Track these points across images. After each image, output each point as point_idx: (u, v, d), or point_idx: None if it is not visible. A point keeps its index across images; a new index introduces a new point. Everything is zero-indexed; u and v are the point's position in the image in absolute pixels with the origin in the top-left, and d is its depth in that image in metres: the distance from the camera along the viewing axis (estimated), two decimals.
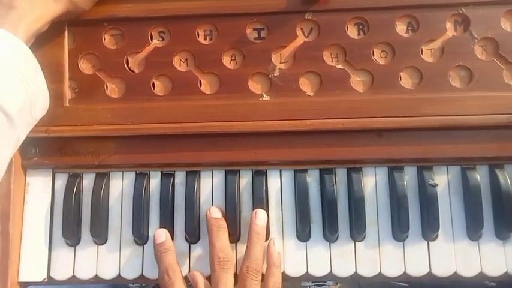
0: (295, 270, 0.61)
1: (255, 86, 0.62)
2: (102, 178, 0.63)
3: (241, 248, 0.61)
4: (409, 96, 0.60)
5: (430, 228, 0.59)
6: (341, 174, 0.62)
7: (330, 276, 0.61)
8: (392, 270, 0.60)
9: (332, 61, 0.61)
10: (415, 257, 0.60)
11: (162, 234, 0.60)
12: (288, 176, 0.63)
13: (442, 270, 0.59)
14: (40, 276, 0.62)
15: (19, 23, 0.53)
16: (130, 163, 0.63)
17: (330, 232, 0.60)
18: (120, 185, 0.64)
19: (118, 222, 0.63)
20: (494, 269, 0.59)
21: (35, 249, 0.63)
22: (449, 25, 0.61)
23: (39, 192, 0.64)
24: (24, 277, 0.62)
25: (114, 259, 0.62)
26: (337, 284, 0.70)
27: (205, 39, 0.63)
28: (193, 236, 0.62)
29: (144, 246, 0.62)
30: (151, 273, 0.62)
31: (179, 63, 0.63)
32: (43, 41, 0.60)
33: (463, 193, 0.61)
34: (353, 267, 0.60)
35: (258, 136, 0.61)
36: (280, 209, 0.62)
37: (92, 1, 0.61)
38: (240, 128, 0.60)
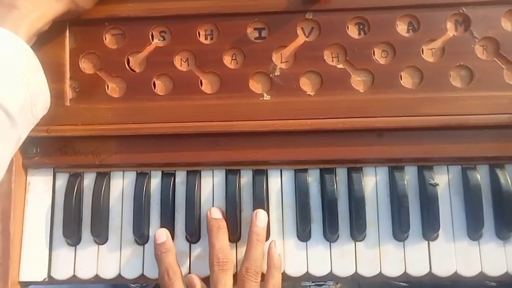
0: (295, 270, 0.61)
1: (256, 85, 0.62)
2: (102, 178, 0.63)
3: (242, 247, 0.61)
4: (409, 96, 0.60)
5: (430, 228, 0.59)
6: (341, 173, 0.62)
7: (330, 276, 0.61)
8: (393, 270, 0.60)
9: (333, 61, 0.61)
10: (415, 257, 0.60)
11: (163, 234, 0.60)
12: (288, 175, 0.63)
13: (442, 270, 0.59)
14: (41, 275, 0.62)
15: (20, 22, 0.53)
16: (131, 163, 0.63)
17: (330, 232, 0.60)
18: (121, 185, 0.64)
19: (119, 222, 0.63)
20: (495, 268, 0.59)
21: (35, 249, 0.63)
22: (449, 25, 0.61)
23: (40, 192, 0.64)
24: (24, 276, 0.62)
25: (114, 259, 0.62)
26: (337, 284, 0.70)
27: (206, 38, 0.63)
28: (193, 235, 0.62)
29: (145, 245, 0.62)
30: (152, 273, 0.61)
31: (180, 63, 0.63)
32: (44, 41, 0.60)
33: (463, 193, 0.61)
34: (353, 267, 0.60)
35: (258, 136, 0.61)
36: (280, 208, 0.62)
37: (93, 0, 0.61)
38: (241, 128, 0.60)
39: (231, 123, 0.60)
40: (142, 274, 0.62)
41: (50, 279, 0.62)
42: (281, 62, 0.62)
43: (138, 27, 0.63)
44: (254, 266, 0.57)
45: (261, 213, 0.60)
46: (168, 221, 0.62)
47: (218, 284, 0.56)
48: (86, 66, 0.63)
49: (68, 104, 0.62)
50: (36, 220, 0.63)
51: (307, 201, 0.61)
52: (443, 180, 0.61)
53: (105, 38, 0.63)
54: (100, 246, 0.63)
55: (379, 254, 0.60)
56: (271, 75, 0.61)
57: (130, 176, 0.64)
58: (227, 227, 0.60)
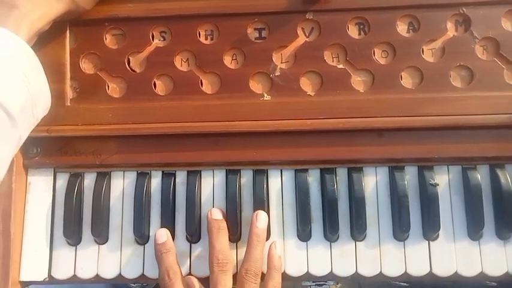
0: (295, 270, 0.61)
1: (256, 85, 0.62)
2: (103, 178, 0.63)
3: (242, 247, 0.61)
4: (409, 96, 0.60)
5: (430, 227, 0.59)
6: (342, 173, 0.62)
7: (331, 276, 0.61)
8: (393, 270, 0.60)
9: (333, 61, 0.61)
10: (415, 257, 0.60)
11: (163, 235, 0.60)
12: (288, 175, 0.63)
13: (442, 270, 0.59)
14: (41, 275, 0.62)
15: (21, 22, 0.53)
16: (131, 163, 0.63)
17: (330, 232, 0.60)
18: (121, 185, 0.64)
19: (119, 222, 0.63)
20: (495, 268, 0.59)
21: (36, 249, 0.63)
22: (450, 25, 0.61)
23: (41, 192, 0.64)
24: (25, 276, 0.62)
25: (115, 258, 0.62)
26: (337, 284, 0.70)
27: (206, 39, 0.63)
28: (194, 235, 0.62)
29: (145, 245, 0.63)
30: (152, 273, 0.62)
31: (180, 63, 0.63)
32: (45, 41, 0.60)
33: (463, 193, 0.61)
34: (354, 267, 0.60)
35: (258, 136, 0.61)
36: (281, 208, 0.62)
37: (94, 1, 0.61)
38: (241, 128, 0.60)
39: (231, 123, 0.60)
40: (143, 274, 0.62)
41: (51, 279, 0.62)
42: (281, 62, 0.62)
43: (139, 27, 0.63)
44: (254, 268, 0.57)
45: (261, 215, 0.60)
46: (168, 221, 0.62)
47: (218, 285, 0.56)
48: (87, 66, 0.63)
49: (69, 104, 0.62)
50: (36, 220, 0.63)
51: (307, 201, 0.61)
52: (443, 180, 0.61)
53: (106, 38, 0.63)
54: (100, 246, 0.63)
55: (379, 254, 0.60)
56: (271, 76, 0.61)
57: (131, 176, 0.64)
58: (227, 227, 0.60)
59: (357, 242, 0.61)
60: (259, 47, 0.62)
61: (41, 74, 0.56)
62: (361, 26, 0.61)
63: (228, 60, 0.62)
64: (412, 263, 0.60)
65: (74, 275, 0.62)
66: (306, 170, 0.62)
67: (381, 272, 0.60)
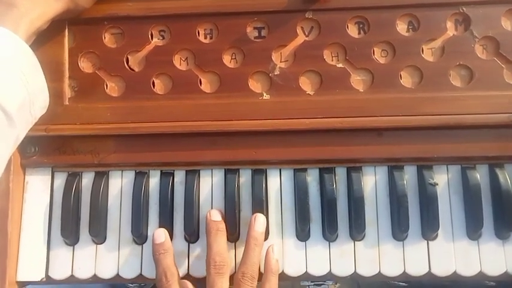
0: (294, 270, 0.61)
1: (255, 84, 0.62)
2: (101, 177, 0.63)
3: (240, 247, 0.61)
4: (409, 95, 0.60)
5: (429, 227, 0.59)
6: (341, 173, 0.62)
7: (330, 276, 0.60)
8: (392, 270, 0.60)
9: (332, 60, 0.61)
10: (414, 257, 0.60)
11: (162, 235, 0.60)
12: (287, 175, 0.63)
13: (441, 270, 0.59)
14: (38, 275, 0.62)
15: (20, 21, 0.52)
16: (129, 162, 0.63)
17: (329, 231, 0.60)
18: (120, 184, 0.64)
19: (117, 222, 0.63)
20: (494, 268, 0.59)
21: (33, 249, 0.62)
22: (449, 24, 0.61)
23: (38, 191, 0.64)
24: (22, 276, 0.62)
25: (113, 258, 0.62)
26: (336, 284, 0.70)
27: (205, 38, 0.63)
28: (192, 235, 0.62)
29: (143, 245, 0.62)
30: (150, 273, 0.61)
31: (179, 62, 0.63)
32: (43, 40, 0.60)
33: (463, 192, 0.61)
34: (352, 267, 0.60)
35: (257, 135, 0.61)
36: (279, 208, 0.62)
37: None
38: (240, 127, 0.60)
39: (230, 123, 0.60)
40: (141, 274, 0.62)
41: (48, 279, 0.62)
42: (281, 62, 0.62)
43: (138, 26, 0.63)
44: (251, 271, 0.57)
45: (259, 218, 0.60)
46: (166, 221, 0.62)
47: (214, 287, 0.56)
48: (85, 65, 0.63)
49: (67, 103, 0.62)
50: (34, 219, 0.63)
51: (306, 201, 0.61)
52: (442, 179, 0.61)
53: (105, 37, 0.63)
54: (98, 245, 0.63)
55: (378, 253, 0.60)
56: (270, 75, 0.61)
57: (129, 176, 0.64)
58: (226, 227, 0.60)
59: (355, 242, 0.61)
60: (258, 46, 0.62)
61: (39, 73, 0.55)
62: (361, 25, 0.61)
63: (227, 59, 0.62)
64: (411, 262, 0.60)
65: (72, 275, 0.62)
66: (305, 170, 0.62)
67: (379, 271, 0.60)
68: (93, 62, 0.63)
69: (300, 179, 0.62)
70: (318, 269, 0.60)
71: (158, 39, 0.63)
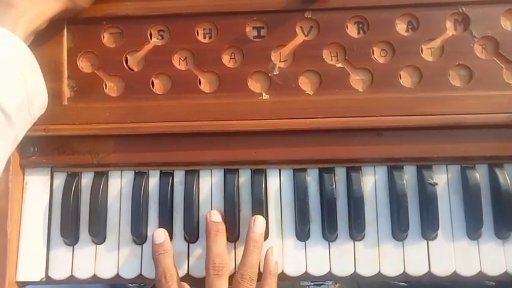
0: (294, 270, 0.61)
1: (255, 84, 0.62)
2: (100, 177, 0.63)
3: (240, 247, 0.61)
4: (408, 95, 0.60)
5: (429, 227, 0.59)
6: (340, 173, 0.62)
7: (329, 276, 0.60)
8: (392, 270, 0.60)
9: (332, 60, 0.61)
10: (414, 257, 0.60)
11: (161, 235, 0.60)
12: (287, 175, 0.63)
13: (441, 270, 0.59)
14: (38, 275, 0.62)
15: (18, 20, 0.52)
16: (129, 162, 0.63)
17: (329, 231, 0.60)
18: (119, 184, 0.64)
19: (117, 222, 0.63)
20: (494, 268, 0.59)
21: (33, 249, 0.62)
22: (449, 24, 0.60)
23: (38, 191, 0.63)
24: (22, 276, 0.62)
25: (112, 258, 0.62)
26: (336, 284, 0.70)
27: (204, 37, 0.63)
28: (192, 235, 0.61)
29: (143, 245, 0.62)
30: (150, 273, 0.61)
31: (178, 62, 0.63)
32: (42, 39, 0.60)
33: (462, 192, 0.61)
34: (352, 267, 0.60)
35: (257, 135, 0.61)
36: (279, 208, 0.62)
37: None
38: (240, 127, 0.60)
39: (229, 123, 0.60)
40: (141, 274, 0.62)
41: (48, 279, 0.62)
42: (280, 61, 0.62)
43: (137, 26, 0.63)
44: (249, 273, 0.57)
45: (259, 219, 0.60)
46: (166, 221, 0.62)
47: None
48: (84, 65, 0.63)
49: (66, 103, 0.62)
50: (33, 220, 0.63)
51: (306, 201, 0.61)
52: (442, 179, 0.61)
53: (103, 37, 0.63)
54: (98, 246, 0.62)
55: (378, 253, 0.60)
56: (270, 75, 0.61)
57: (128, 176, 0.64)
58: (226, 226, 0.60)
59: (355, 242, 0.61)
60: (257, 46, 0.62)
61: (37, 73, 0.55)
62: (360, 25, 0.61)
63: (227, 59, 0.62)
64: (410, 262, 0.60)
65: (71, 275, 0.62)
66: (305, 170, 0.62)
67: (379, 271, 0.60)
68: (92, 61, 0.63)
69: (299, 179, 0.61)
70: (318, 269, 0.60)
71: (157, 39, 0.63)
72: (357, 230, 0.60)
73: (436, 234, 0.60)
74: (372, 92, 0.60)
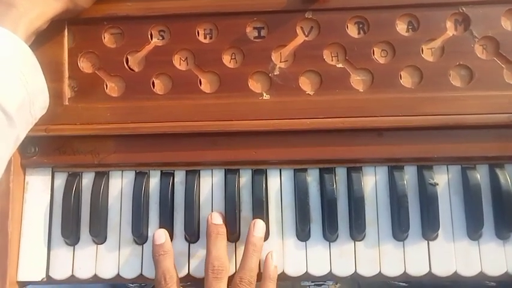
0: (294, 270, 0.61)
1: (255, 85, 0.62)
2: (101, 177, 0.63)
3: (241, 247, 0.61)
4: (409, 95, 0.60)
5: (430, 227, 0.59)
6: (341, 173, 0.62)
7: (330, 276, 0.60)
8: (392, 270, 0.60)
9: (332, 60, 0.61)
10: (415, 257, 0.60)
11: (162, 236, 0.60)
12: (287, 175, 0.63)
13: (442, 270, 0.59)
14: (39, 275, 0.62)
15: (19, 21, 0.52)
16: (129, 162, 0.63)
17: (329, 231, 0.60)
18: (120, 184, 0.64)
19: (117, 222, 0.63)
20: (495, 268, 0.59)
21: (34, 249, 0.62)
22: (449, 24, 0.60)
23: (39, 191, 0.64)
24: (23, 276, 0.62)
25: (113, 258, 0.62)
26: (336, 284, 0.70)
27: (205, 38, 0.63)
28: (192, 235, 0.62)
29: (144, 245, 0.62)
30: (151, 273, 0.61)
31: (179, 62, 0.63)
32: (43, 40, 0.60)
33: (463, 192, 0.61)
34: (353, 267, 0.60)
35: (257, 135, 0.61)
36: (280, 208, 0.62)
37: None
38: (240, 127, 0.60)
39: (230, 123, 0.60)
40: (141, 274, 0.62)
41: (48, 279, 0.62)
42: (280, 62, 0.62)
43: (137, 26, 0.63)
44: (248, 276, 0.57)
45: (258, 223, 0.60)
46: (167, 221, 0.62)
47: None
48: (85, 65, 0.63)
49: (67, 104, 0.62)
50: (34, 220, 0.63)
51: (306, 201, 0.61)
52: (443, 179, 0.61)
53: (104, 37, 0.63)
54: (99, 246, 0.63)
55: (378, 253, 0.60)
56: (270, 75, 0.61)
57: (129, 176, 0.64)
58: (226, 226, 0.60)
59: (356, 242, 0.61)
60: (258, 46, 0.62)
61: (38, 73, 0.55)
62: (361, 25, 0.61)
63: (227, 60, 0.62)
64: (411, 263, 0.60)
65: (72, 275, 0.62)
66: (305, 170, 0.62)
67: (380, 272, 0.60)
68: (93, 62, 0.63)
69: (300, 179, 0.62)
70: (319, 269, 0.60)
71: (158, 39, 0.63)
72: (357, 230, 0.59)
73: (437, 235, 0.60)
74: (373, 92, 0.60)
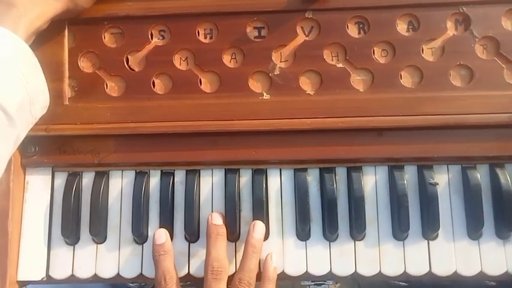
0: (294, 270, 0.61)
1: (255, 84, 0.62)
2: (101, 177, 0.63)
3: (241, 247, 0.61)
4: (409, 95, 0.60)
5: (430, 227, 0.59)
6: (341, 173, 0.62)
7: (330, 276, 0.60)
8: (392, 270, 0.60)
9: (332, 60, 0.61)
10: (415, 256, 0.60)
11: (162, 235, 0.60)
12: (288, 175, 0.63)
13: (442, 270, 0.59)
14: (39, 275, 0.62)
15: (19, 21, 0.52)
16: (129, 162, 0.63)
17: (329, 231, 0.60)
18: (120, 184, 0.64)
19: (117, 221, 0.63)
20: (495, 268, 0.59)
21: (34, 248, 0.62)
22: (449, 24, 0.60)
23: (39, 191, 0.64)
24: (23, 276, 0.62)
25: (113, 258, 0.62)
26: (336, 283, 0.70)
27: (205, 37, 0.63)
28: (192, 235, 0.62)
29: (144, 245, 0.62)
30: (151, 273, 0.61)
31: (179, 62, 0.63)
32: (43, 40, 0.60)
33: (463, 192, 0.61)
34: (353, 267, 0.60)
35: (258, 135, 0.61)
36: (280, 208, 0.62)
37: None
38: (240, 127, 0.60)
39: (230, 123, 0.60)
40: (141, 273, 0.62)
41: (48, 279, 0.62)
42: (281, 61, 0.62)
43: (137, 26, 0.63)
44: (248, 277, 0.57)
45: (258, 225, 0.60)
46: (167, 221, 0.62)
47: None
48: (85, 65, 0.63)
49: (67, 103, 0.62)
50: (34, 219, 0.63)
51: (306, 201, 0.61)
52: (443, 179, 0.61)
53: (104, 37, 0.63)
54: (99, 245, 0.63)
55: (378, 253, 0.60)
56: (270, 75, 0.61)
57: (129, 175, 0.64)
58: (226, 226, 0.60)
59: (356, 242, 0.61)
60: (258, 46, 0.62)
61: (39, 73, 0.55)
62: (361, 25, 0.61)
63: (227, 59, 0.62)
64: (411, 262, 0.60)
65: (72, 275, 0.62)
66: (305, 170, 0.62)
67: (380, 271, 0.60)
68: (93, 61, 0.63)
69: (300, 179, 0.62)
70: (319, 268, 0.60)
71: (158, 39, 0.63)
72: (357, 229, 0.60)
73: (437, 234, 0.60)
74: (373, 92, 0.60)
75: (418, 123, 0.59)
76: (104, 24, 0.63)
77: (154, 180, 0.63)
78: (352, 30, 0.61)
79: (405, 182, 0.60)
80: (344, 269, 0.60)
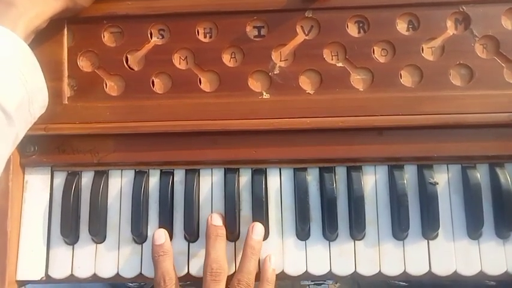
0: (294, 269, 0.61)
1: (255, 84, 0.62)
2: (101, 176, 0.63)
3: (240, 247, 0.60)
4: (409, 94, 0.60)
5: (430, 227, 0.59)
6: (341, 172, 0.62)
7: (330, 275, 0.60)
8: (392, 269, 0.60)
9: (332, 59, 0.61)
10: (415, 256, 0.60)
11: (162, 236, 0.60)
12: (287, 174, 0.63)
13: (442, 269, 0.59)
14: (38, 274, 0.62)
15: (18, 20, 0.52)
16: (129, 161, 0.63)
17: (329, 231, 0.60)
18: (119, 183, 0.64)
19: (117, 221, 0.63)
20: (495, 268, 0.59)
21: (33, 248, 0.62)
22: (449, 23, 0.60)
23: (38, 190, 0.63)
24: (22, 276, 0.62)
25: (112, 258, 0.62)
26: (336, 283, 0.70)
27: (205, 37, 0.63)
28: (192, 234, 0.61)
29: (143, 244, 0.62)
30: (150, 272, 0.61)
31: (179, 61, 0.63)
32: (42, 39, 0.60)
33: (463, 192, 0.61)
34: (353, 266, 0.60)
35: (257, 134, 0.61)
36: (279, 207, 0.62)
37: None
38: (240, 126, 0.60)
39: (230, 122, 0.60)
40: (141, 273, 0.62)
41: (48, 278, 0.62)
42: (280, 61, 0.62)
43: (137, 25, 0.63)
44: (246, 279, 0.57)
45: (257, 226, 0.59)
46: (166, 220, 0.62)
47: None
48: (84, 64, 0.63)
49: (66, 102, 0.62)
50: (33, 219, 0.63)
51: (306, 200, 0.61)
52: (443, 179, 0.61)
53: (104, 36, 0.63)
54: (98, 245, 0.62)
55: (378, 253, 0.60)
56: (270, 74, 0.61)
57: (129, 175, 0.64)
58: (226, 226, 0.60)
59: (356, 241, 0.61)
60: (258, 45, 0.62)
61: (38, 72, 0.55)
62: (361, 24, 0.61)
63: (227, 59, 0.62)
64: (411, 262, 0.59)
65: (71, 274, 0.62)
66: (305, 169, 0.62)
67: (380, 271, 0.60)
68: (93, 61, 0.63)
69: (300, 179, 0.61)
70: (318, 268, 0.60)
71: (157, 38, 0.63)
72: (357, 229, 0.59)
73: (437, 234, 0.60)
74: (373, 91, 0.60)
75: (418, 123, 0.59)
76: (104, 23, 0.63)
77: (154, 180, 0.63)
78: (352, 30, 0.61)
79: (405, 181, 0.60)
80: (344, 268, 0.60)
